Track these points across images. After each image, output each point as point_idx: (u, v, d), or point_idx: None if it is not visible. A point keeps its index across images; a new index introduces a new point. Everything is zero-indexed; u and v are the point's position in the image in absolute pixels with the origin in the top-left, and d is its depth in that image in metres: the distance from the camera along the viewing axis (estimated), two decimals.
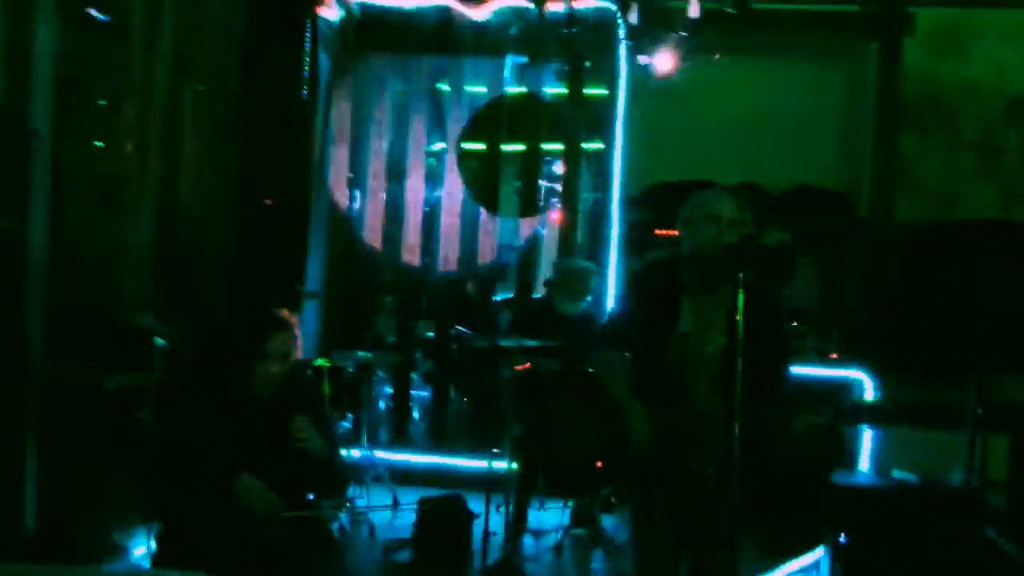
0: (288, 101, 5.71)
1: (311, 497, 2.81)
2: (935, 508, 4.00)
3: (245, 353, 2.71)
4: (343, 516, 4.49)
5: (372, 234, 6.18)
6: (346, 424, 5.04)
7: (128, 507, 3.52)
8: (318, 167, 6.15)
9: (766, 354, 2.77)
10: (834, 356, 5.27)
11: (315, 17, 5.98)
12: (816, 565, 4.32)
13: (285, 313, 2.83)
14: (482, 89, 6.23)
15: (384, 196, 6.20)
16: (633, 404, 2.72)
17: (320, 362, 4.38)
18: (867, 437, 4.93)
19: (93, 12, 4.81)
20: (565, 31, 4.40)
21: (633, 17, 4.61)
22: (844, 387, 5.10)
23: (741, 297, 2.51)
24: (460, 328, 5.77)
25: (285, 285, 4.99)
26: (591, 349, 2.88)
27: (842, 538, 4.03)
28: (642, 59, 5.30)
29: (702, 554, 2.75)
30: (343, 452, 4.58)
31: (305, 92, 5.81)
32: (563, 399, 2.98)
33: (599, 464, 2.80)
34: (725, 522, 2.52)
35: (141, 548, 3.54)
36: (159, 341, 3.94)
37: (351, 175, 6.23)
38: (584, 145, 6.15)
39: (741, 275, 2.57)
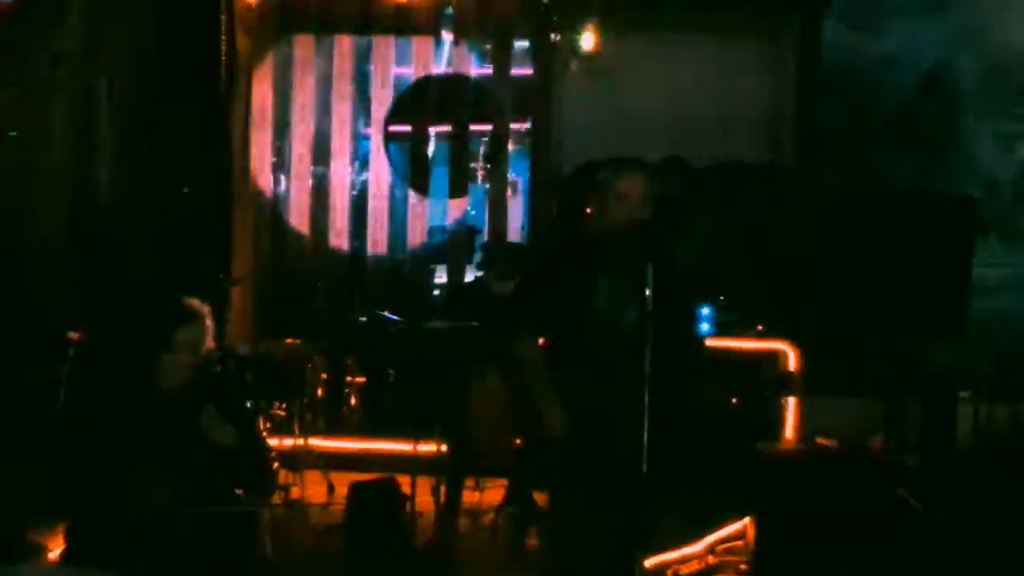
0: (205, 86, 5.58)
1: (236, 490, 2.78)
2: (851, 472, 4.13)
3: (154, 344, 2.65)
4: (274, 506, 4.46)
5: (299, 219, 6.09)
6: (281, 413, 4.98)
7: (44, 505, 3.42)
8: (240, 152, 6.03)
9: (679, 329, 2.82)
10: (759, 328, 5.38)
11: None
12: (742, 533, 4.43)
13: (195, 303, 2.77)
14: (408, 70, 6.16)
15: (310, 180, 6.11)
16: (546, 390, 2.73)
17: (242, 350, 4.31)
18: (792, 406, 5.04)
19: None
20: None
21: None
22: (769, 359, 5.21)
23: (650, 274, 2.56)
24: (392, 313, 5.76)
25: (209, 273, 4.89)
26: (507, 331, 2.88)
27: (764, 505, 4.14)
28: (555, 38, 5.30)
29: (619, 528, 2.79)
30: (269, 441, 4.54)
31: (223, 76, 5.68)
32: (485, 379, 2.97)
33: (517, 442, 2.80)
34: (640, 496, 2.57)
35: (58, 547, 3.45)
36: (72, 333, 3.83)
37: (275, 159, 6.12)
38: (512, 125, 6.15)
39: (650, 253, 2.62)
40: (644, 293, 2.56)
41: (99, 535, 2.45)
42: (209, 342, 2.78)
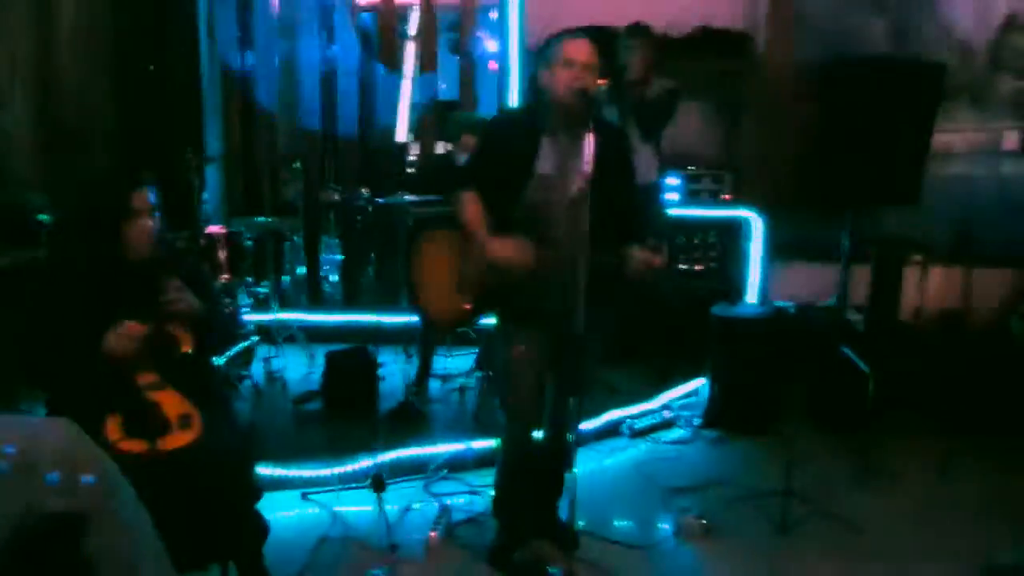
0: None
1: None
2: (801, 331, 4.33)
3: (113, 213, 2.74)
4: (254, 372, 4.68)
5: (269, 97, 6.03)
6: (261, 289, 5.12)
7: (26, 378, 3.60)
8: (207, 28, 5.92)
9: (623, 194, 2.92)
10: (726, 197, 5.46)
11: None
12: (697, 391, 4.67)
13: (146, 171, 2.85)
14: None
15: (277, 56, 6.01)
16: (486, 234, 2.84)
17: (215, 228, 4.40)
18: (754, 272, 5.19)
19: None
20: None
21: None
22: (735, 226, 5.32)
23: (593, 138, 2.63)
24: (365, 189, 5.82)
25: (179, 151, 4.89)
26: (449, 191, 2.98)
27: (718, 362, 4.36)
28: None
29: (562, 387, 2.97)
30: (238, 310, 4.70)
31: None
32: (434, 246, 3.11)
33: (467, 307, 2.95)
34: (582, 356, 2.71)
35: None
36: (44, 217, 3.91)
37: (240, 34, 5.99)
38: None
39: (593, 119, 2.69)
40: (586, 158, 2.65)
41: (76, 406, 2.59)
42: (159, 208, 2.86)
